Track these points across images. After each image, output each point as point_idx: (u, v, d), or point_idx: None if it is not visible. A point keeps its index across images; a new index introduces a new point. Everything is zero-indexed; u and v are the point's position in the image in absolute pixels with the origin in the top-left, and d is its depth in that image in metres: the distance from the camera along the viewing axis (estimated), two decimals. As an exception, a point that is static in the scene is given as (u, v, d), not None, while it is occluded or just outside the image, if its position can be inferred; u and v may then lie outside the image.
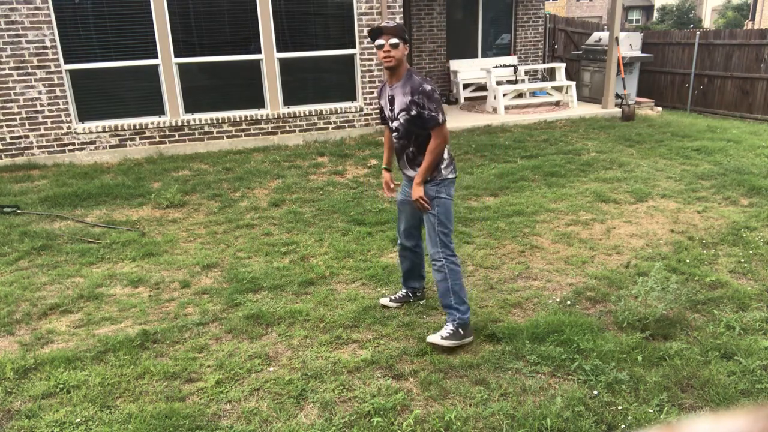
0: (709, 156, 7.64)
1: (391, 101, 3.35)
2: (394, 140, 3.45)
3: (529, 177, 6.86)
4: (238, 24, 8.16)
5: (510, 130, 9.33)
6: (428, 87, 3.18)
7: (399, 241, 3.80)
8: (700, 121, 10.45)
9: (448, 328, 3.37)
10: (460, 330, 3.36)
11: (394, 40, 3.16)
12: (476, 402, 2.88)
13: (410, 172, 3.46)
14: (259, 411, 2.85)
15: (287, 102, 8.61)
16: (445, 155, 3.35)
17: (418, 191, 3.30)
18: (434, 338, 3.35)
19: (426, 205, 3.31)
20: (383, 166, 3.75)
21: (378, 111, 3.53)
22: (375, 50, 3.38)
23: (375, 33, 3.18)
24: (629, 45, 11.30)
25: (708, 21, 41.16)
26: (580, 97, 11.76)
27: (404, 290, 3.93)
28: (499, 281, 4.26)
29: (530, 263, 4.57)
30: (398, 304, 3.90)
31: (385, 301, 3.93)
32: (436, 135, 3.22)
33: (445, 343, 3.31)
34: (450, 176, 3.35)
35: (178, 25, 7.90)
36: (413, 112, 3.22)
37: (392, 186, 3.75)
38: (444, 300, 3.41)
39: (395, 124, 3.36)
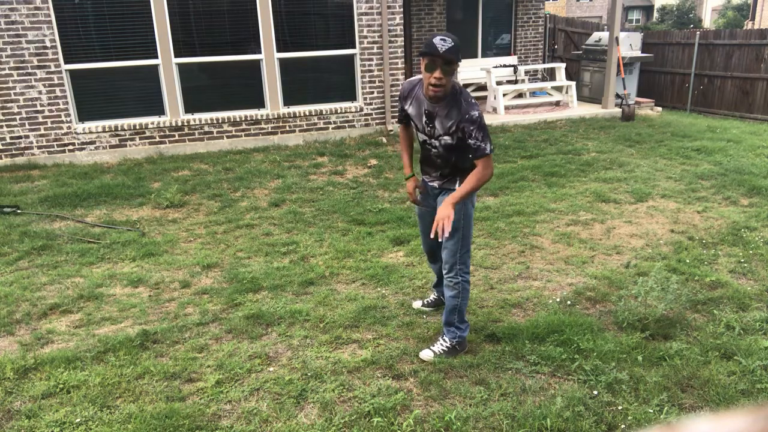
0: (709, 156, 7.64)
1: (430, 117, 3.02)
2: (432, 152, 3.13)
3: (529, 177, 6.86)
4: (238, 24, 8.16)
5: (510, 130, 9.33)
6: (475, 114, 2.86)
7: (424, 248, 3.71)
8: (700, 121, 10.44)
9: (445, 344, 3.29)
10: (457, 347, 3.30)
11: (448, 66, 2.77)
12: (476, 402, 2.88)
13: (434, 182, 3.24)
14: (259, 411, 2.85)
15: (287, 102, 8.61)
16: None
17: (446, 211, 2.90)
18: (428, 356, 3.26)
19: (447, 229, 2.89)
20: (407, 175, 3.40)
21: (399, 110, 3.25)
22: (421, 69, 2.90)
23: (429, 53, 2.76)
24: (629, 45, 11.30)
25: (708, 21, 41.16)
26: (580, 97, 11.75)
27: (435, 295, 3.89)
28: (499, 281, 4.26)
29: (530, 263, 4.57)
30: (431, 308, 3.85)
31: (417, 304, 3.89)
32: (484, 165, 2.91)
33: (439, 360, 3.24)
34: None
35: (178, 25, 7.89)
36: (456, 139, 2.96)
37: (419, 193, 3.46)
38: (448, 317, 3.30)
39: (434, 142, 3.08)
